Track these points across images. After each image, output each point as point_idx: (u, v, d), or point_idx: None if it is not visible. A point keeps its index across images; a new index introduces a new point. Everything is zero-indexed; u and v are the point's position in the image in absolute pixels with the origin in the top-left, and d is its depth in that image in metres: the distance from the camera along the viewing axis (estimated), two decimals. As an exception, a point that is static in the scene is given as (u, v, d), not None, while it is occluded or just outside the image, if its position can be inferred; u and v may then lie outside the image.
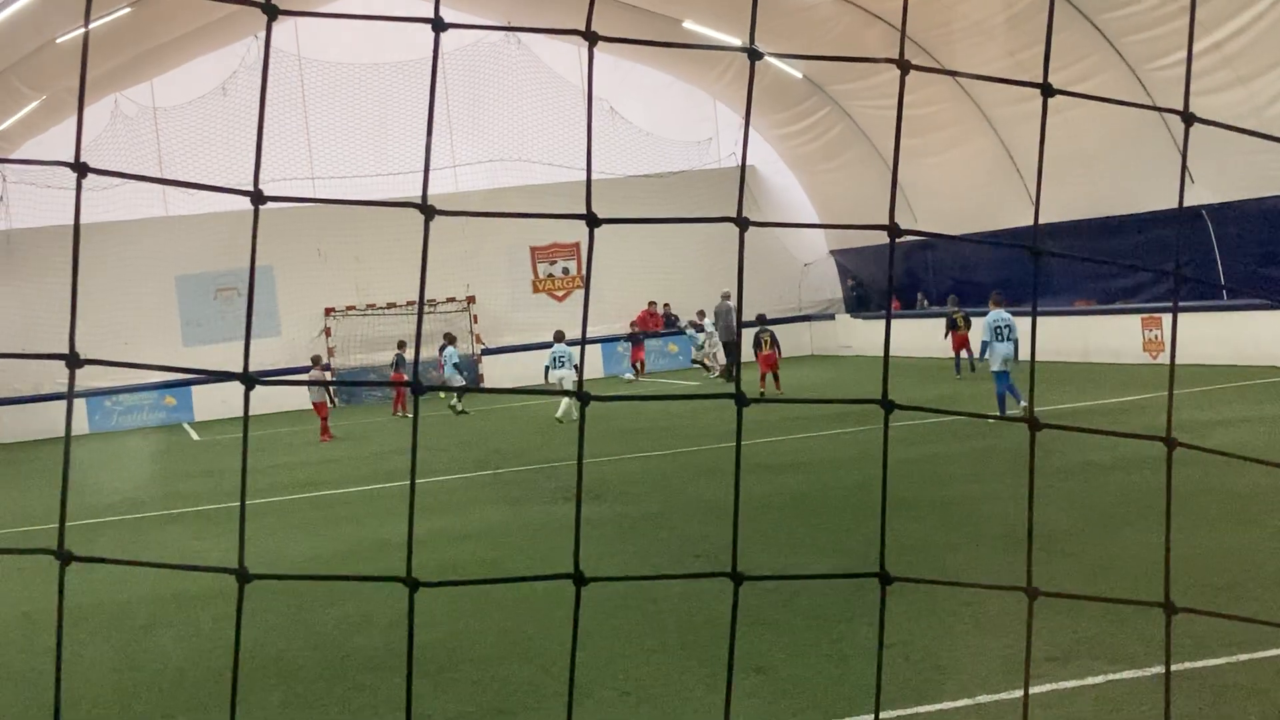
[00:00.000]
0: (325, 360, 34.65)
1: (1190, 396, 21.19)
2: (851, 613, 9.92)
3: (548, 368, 28.32)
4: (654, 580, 11.43)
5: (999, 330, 21.22)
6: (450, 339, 33.72)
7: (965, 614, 9.59)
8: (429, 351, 34.90)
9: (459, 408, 32.04)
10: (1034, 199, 31.08)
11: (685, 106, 42.32)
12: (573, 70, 39.43)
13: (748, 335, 30.88)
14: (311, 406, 30.47)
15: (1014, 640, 8.75)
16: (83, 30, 27.08)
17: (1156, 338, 27.90)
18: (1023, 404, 20.77)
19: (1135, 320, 28.70)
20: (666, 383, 37.25)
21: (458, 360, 33.37)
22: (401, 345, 36.66)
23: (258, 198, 2.05)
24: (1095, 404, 22.37)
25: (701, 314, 37.40)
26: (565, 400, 27.67)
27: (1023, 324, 21.83)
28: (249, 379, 2.06)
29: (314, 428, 29.47)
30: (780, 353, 30.35)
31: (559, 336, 29.04)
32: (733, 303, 36.62)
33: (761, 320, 31.51)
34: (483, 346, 40.10)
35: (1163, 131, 27.37)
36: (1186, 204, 26.53)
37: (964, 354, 30.36)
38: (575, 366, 27.88)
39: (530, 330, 38.01)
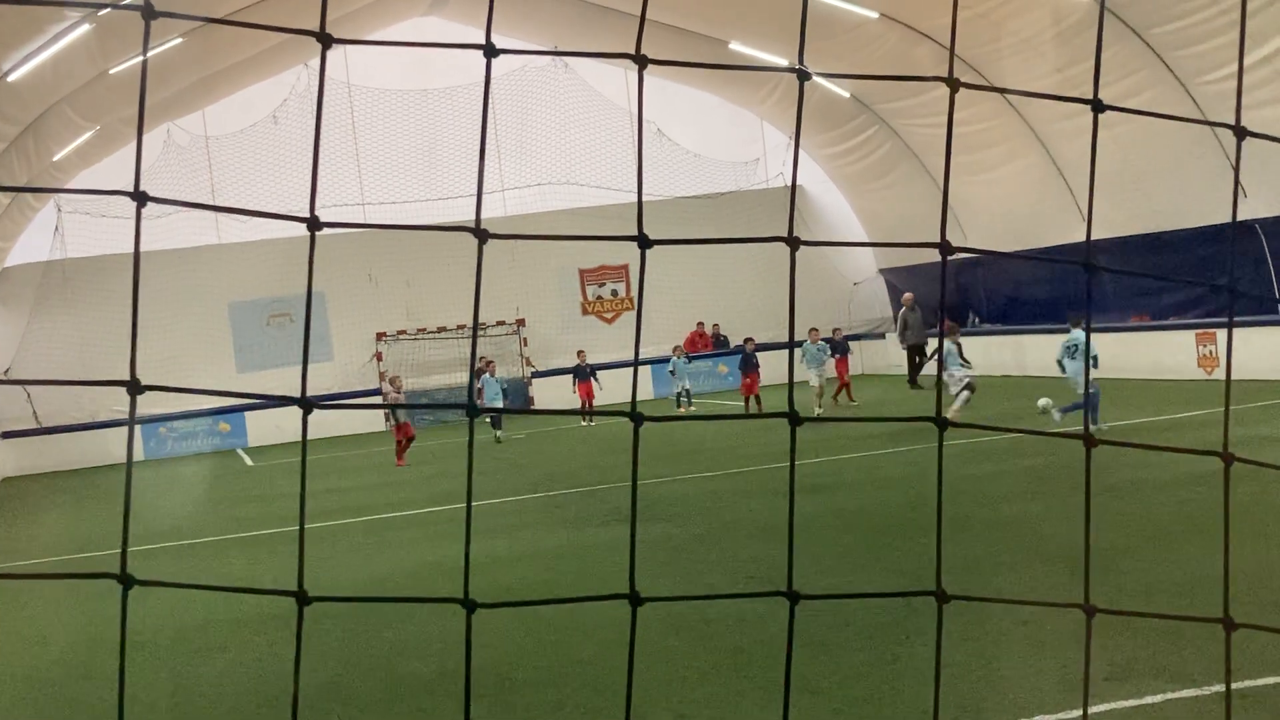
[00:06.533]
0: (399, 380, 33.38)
1: (1246, 412, 21.00)
2: (906, 632, 9.87)
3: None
4: (708, 601, 11.41)
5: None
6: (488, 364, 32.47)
7: (1021, 633, 9.52)
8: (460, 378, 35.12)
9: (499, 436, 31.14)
10: (1085, 215, 30.89)
11: (732, 127, 42.25)
12: (619, 93, 39.53)
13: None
14: (394, 429, 29.48)
15: (1071, 659, 8.68)
16: (136, 60, 27.42)
17: (1211, 353, 27.64)
18: None
19: (1190, 336, 28.45)
20: (715, 403, 37.15)
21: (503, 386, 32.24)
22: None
23: (313, 224, 2.08)
24: (1151, 420, 22.19)
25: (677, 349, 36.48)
26: None
27: (1104, 341, 21.64)
28: (307, 403, 2.08)
29: (384, 449, 29.50)
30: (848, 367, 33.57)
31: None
32: (918, 312, 35.91)
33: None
34: (533, 370, 40.07)
35: (1214, 145, 27.15)
36: (1240, 218, 26.31)
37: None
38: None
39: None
